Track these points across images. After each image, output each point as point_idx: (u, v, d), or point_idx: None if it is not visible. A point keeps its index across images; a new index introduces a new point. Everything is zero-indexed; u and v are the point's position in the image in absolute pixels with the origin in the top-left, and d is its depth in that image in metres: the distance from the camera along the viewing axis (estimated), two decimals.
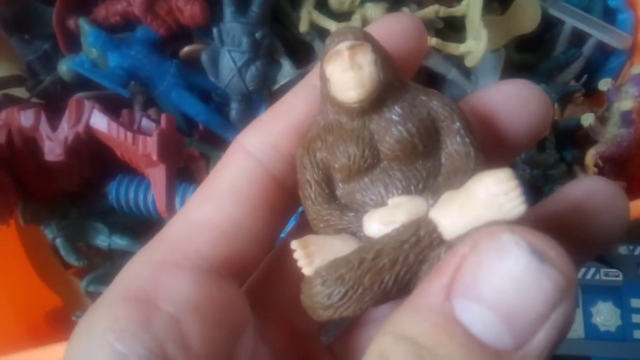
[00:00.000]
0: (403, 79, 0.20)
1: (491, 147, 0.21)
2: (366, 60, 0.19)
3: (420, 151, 0.20)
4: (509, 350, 0.15)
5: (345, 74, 0.19)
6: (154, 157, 0.44)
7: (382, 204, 0.20)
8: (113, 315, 0.18)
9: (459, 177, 0.19)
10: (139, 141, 0.45)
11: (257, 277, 0.24)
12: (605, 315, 0.58)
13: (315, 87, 0.21)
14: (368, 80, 0.19)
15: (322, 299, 0.19)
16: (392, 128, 0.20)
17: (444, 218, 0.18)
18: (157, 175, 0.46)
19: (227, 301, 0.20)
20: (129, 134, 0.45)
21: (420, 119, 0.20)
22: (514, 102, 0.22)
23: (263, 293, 0.24)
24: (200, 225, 0.21)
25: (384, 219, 0.19)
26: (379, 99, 0.19)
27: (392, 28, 0.22)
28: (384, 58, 0.19)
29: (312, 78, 0.22)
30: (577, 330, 0.58)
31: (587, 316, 0.58)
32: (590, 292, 0.59)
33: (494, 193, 0.17)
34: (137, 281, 0.20)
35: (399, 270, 0.18)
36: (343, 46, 0.19)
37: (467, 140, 0.20)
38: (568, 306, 0.15)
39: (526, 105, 0.22)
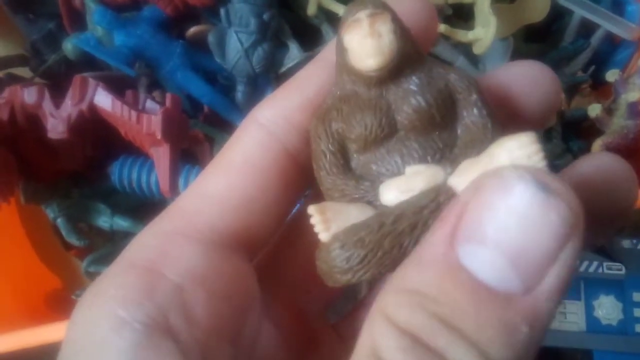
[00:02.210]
0: (420, 51, 0.20)
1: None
2: (386, 28, 0.19)
3: (438, 122, 0.20)
4: (518, 295, 0.14)
5: (365, 41, 0.19)
6: (158, 136, 0.44)
7: (398, 174, 0.20)
8: (118, 283, 0.18)
9: (476, 148, 0.19)
10: (143, 119, 0.45)
11: (267, 254, 0.24)
12: (607, 308, 0.58)
13: (330, 62, 0.21)
14: (387, 48, 0.19)
15: (340, 263, 0.18)
16: (410, 98, 0.19)
17: (464, 184, 0.17)
18: (161, 155, 0.46)
19: (236, 275, 0.20)
20: (133, 112, 0.45)
21: (438, 89, 0.19)
22: (526, 82, 0.22)
23: (272, 270, 0.24)
24: (212, 197, 0.21)
25: (401, 187, 0.19)
26: (397, 69, 0.19)
27: (402, 8, 0.21)
28: (402, 28, 0.19)
29: (326, 53, 0.22)
30: (579, 323, 0.58)
31: (589, 309, 0.58)
32: (593, 285, 0.58)
33: (516, 156, 0.16)
34: (144, 250, 0.19)
35: (419, 234, 0.18)
36: (363, 14, 0.19)
37: (484, 112, 0.19)
38: (577, 244, 0.14)
39: (538, 86, 0.22)
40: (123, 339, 0.17)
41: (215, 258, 0.20)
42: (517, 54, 0.53)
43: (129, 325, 0.17)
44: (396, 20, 0.19)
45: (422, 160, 0.19)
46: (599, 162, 0.21)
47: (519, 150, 0.16)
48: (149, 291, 0.18)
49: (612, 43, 0.56)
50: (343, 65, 0.20)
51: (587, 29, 0.55)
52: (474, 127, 0.20)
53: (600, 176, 0.21)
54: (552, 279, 0.14)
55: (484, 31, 0.47)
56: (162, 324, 0.17)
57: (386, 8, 0.19)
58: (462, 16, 0.53)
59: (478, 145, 0.19)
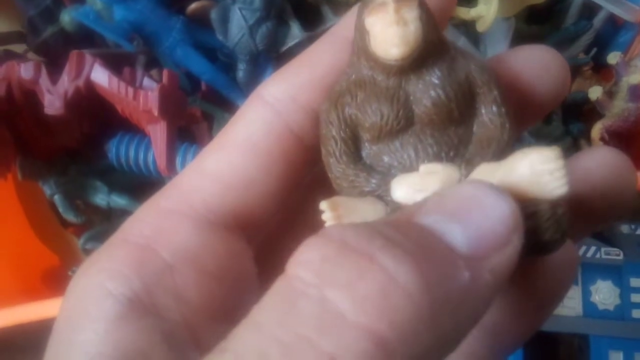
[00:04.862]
0: (443, 38, 0.19)
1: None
2: (412, 15, 0.18)
3: (455, 117, 0.19)
4: (462, 254, 0.14)
5: (390, 29, 0.18)
6: (155, 113, 0.44)
7: (410, 168, 0.19)
8: (110, 256, 0.18)
9: (492, 147, 0.19)
10: (140, 96, 0.44)
11: (268, 236, 0.23)
12: (605, 293, 0.58)
13: (343, 39, 0.20)
14: (413, 37, 0.18)
15: None
16: (430, 90, 0.19)
17: None
18: (158, 132, 0.45)
19: (230, 255, 0.20)
20: (130, 89, 0.44)
21: (459, 82, 0.19)
22: (536, 66, 0.21)
23: (272, 252, 0.23)
24: (210, 175, 0.20)
25: (415, 186, 0.18)
26: (420, 58, 0.18)
27: None
28: (428, 15, 0.18)
29: (339, 29, 0.21)
30: (576, 308, 0.58)
31: (586, 294, 0.58)
32: (590, 271, 0.59)
33: (538, 171, 0.16)
34: (139, 226, 0.19)
35: None
36: None
37: (502, 110, 0.19)
38: (517, 245, 0.15)
39: (548, 70, 0.21)
40: (102, 309, 0.17)
41: (209, 237, 0.19)
42: (518, 36, 0.53)
43: (112, 297, 0.17)
44: (423, 5, 0.18)
45: (437, 156, 0.19)
46: (600, 156, 0.21)
47: (541, 165, 0.16)
48: (138, 267, 0.18)
49: (614, 25, 0.56)
50: (361, 48, 0.19)
51: (589, 10, 0.55)
52: (491, 125, 0.19)
53: (602, 170, 0.21)
54: (495, 260, 0.15)
55: (487, 8, 0.47)
56: (146, 301, 0.17)
57: None
58: None
59: (494, 144, 0.19)
